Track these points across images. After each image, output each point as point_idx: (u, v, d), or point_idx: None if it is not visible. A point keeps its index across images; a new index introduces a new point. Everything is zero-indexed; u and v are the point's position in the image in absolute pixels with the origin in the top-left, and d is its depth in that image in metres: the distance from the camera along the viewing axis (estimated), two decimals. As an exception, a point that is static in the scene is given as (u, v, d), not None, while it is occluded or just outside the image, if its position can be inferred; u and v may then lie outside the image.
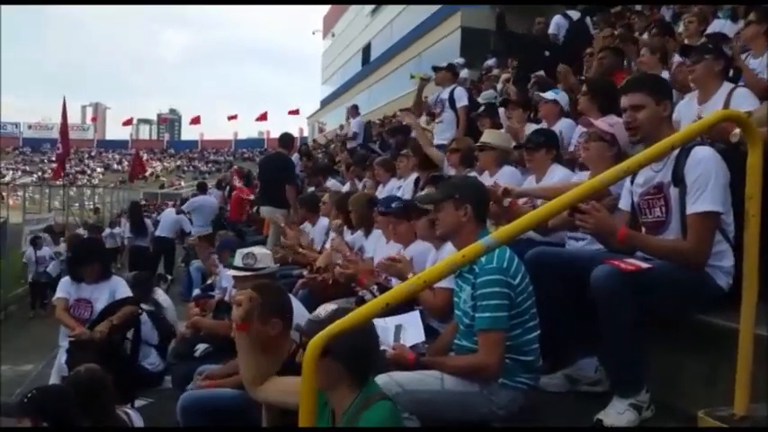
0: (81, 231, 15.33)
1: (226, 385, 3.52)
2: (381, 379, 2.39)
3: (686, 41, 5.45)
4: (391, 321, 3.07)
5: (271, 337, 2.71)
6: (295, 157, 13.02)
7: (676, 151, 2.57)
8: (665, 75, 4.89)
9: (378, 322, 3.04)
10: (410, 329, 3.11)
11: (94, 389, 3.27)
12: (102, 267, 5.15)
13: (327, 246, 5.72)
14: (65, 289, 5.05)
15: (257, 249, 4.09)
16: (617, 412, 2.46)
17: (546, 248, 3.06)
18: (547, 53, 8.25)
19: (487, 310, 2.47)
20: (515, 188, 3.58)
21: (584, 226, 2.48)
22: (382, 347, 2.70)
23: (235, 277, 4.02)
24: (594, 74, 5.75)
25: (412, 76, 9.55)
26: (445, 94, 7.48)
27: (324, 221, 6.50)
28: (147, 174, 35.43)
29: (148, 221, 13.69)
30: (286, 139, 8.91)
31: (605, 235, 2.57)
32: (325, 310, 2.34)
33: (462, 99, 7.35)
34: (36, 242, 13.07)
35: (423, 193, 2.93)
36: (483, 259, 2.48)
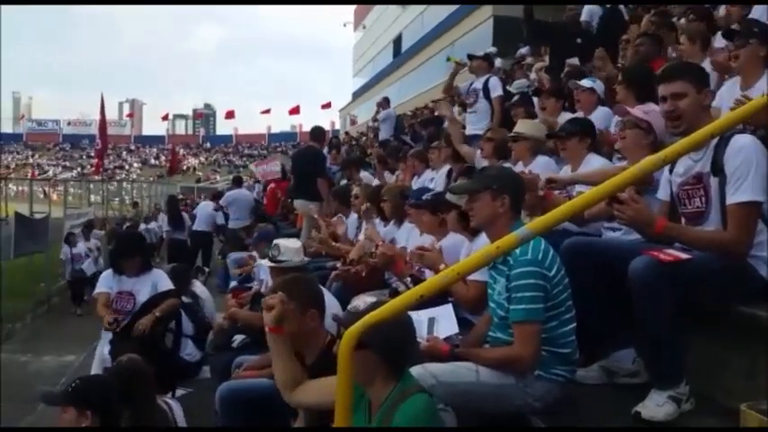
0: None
1: (263, 376, 3.58)
2: (416, 371, 2.40)
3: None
4: (424, 314, 3.07)
5: (311, 328, 2.73)
6: (325, 150, 13.12)
7: (716, 140, 2.51)
8: (706, 63, 4.77)
9: (410, 315, 3.11)
10: (443, 322, 3.11)
11: (136, 379, 3.36)
12: (143, 260, 5.27)
13: (360, 238, 5.75)
14: (106, 283, 5.18)
15: (283, 241, 4.19)
16: (656, 404, 2.42)
17: (581, 238, 3.02)
18: (579, 40, 8.10)
19: (523, 302, 2.46)
20: (560, 177, 3.54)
21: (622, 216, 2.44)
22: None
23: (270, 268, 4.18)
24: (631, 61, 5.63)
25: (448, 59, 9.52)
26: (479, 84, 7.42)
27: (355, 215, 6.52)
28: (184, 168, 36.26)
29: (185, 215, 13.95)
30: (317, 132, 9.00)
31: (643, 226, 2.52)
32: (363, 302, 2.33)
33: (497, 89, 7.29)
34: (70, 239, 13.15)
35: (456, 183, 2.90)
36: (518, 251, 2.45)
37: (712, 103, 3.18)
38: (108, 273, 5.29)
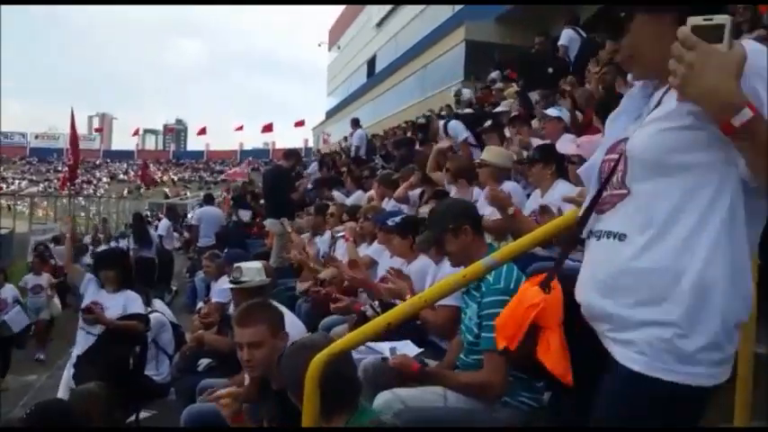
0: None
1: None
2: (384, 396, 2.40)
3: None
4: (385, 345, 2.96)
5: (281, 349, 2.71)
6: (313, 166, 13.17)
7: None
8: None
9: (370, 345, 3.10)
10: (404, 350, 3.10)
11: (94, 407, 3.30)
12: (121, 276, 5.17)
13: (337, 255, 5.75)
14: (91, 292, 5.11)
15: (245, 264, 4.24)
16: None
17: (546, 264, 3.07)
18: (550, 70, 8.31)
19: (493, 330, 2.48)
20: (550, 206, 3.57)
21: None
22: (383, 356, 2.71)
23: (231, 290, 4.23)
24: (594, 89, 5.79)
25: None
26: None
27: (329, 234, 6.53)
28: (157, 182, 35.88)
29: (153, 232, 13.77)
30: (289, 152, 9.13)
31: None
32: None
33: (460, 133, 7.41)
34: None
35: (420, 237, 2.98)
36: (490, 278, 2.50)
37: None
38: (95, 281, 5.19)
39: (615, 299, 1.37)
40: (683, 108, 1.29)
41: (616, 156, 1.44)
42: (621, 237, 1.37)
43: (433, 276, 3.61)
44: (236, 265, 4.19)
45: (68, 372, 4.94)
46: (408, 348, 3.06)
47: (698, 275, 1.29)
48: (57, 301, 11.75)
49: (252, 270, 4.13)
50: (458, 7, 26.78)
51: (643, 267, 1.33)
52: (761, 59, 1.24)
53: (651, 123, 1.37)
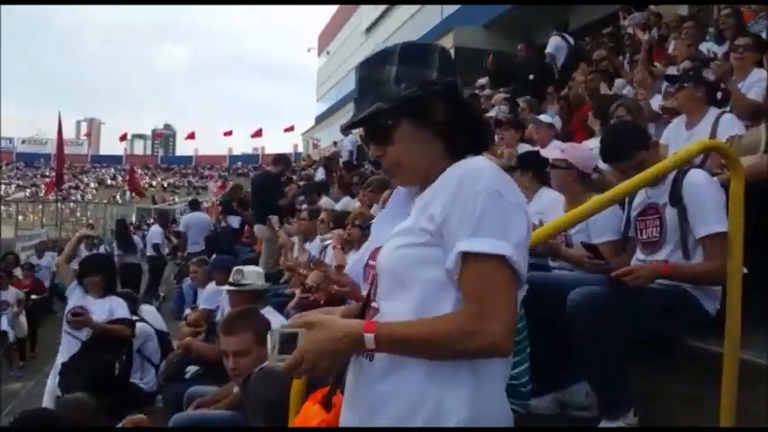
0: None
1: (219, 408, 3.52)
2: None
3: (675, 67, 5.55)
4: None
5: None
6: (320, 171, 13.10)
7: (672, 174, 2.64)
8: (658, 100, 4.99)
9: None
10: None
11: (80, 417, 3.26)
12: (106, 282, 5.15)
13: (327, 261, 5.73)
14: (76, 298, 5.09)
15: (247, 267, 4.33)
16: (605, 435, 2.47)
17: (534, 274, 3.07)
18: (531, 77, 8.39)
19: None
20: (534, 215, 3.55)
21: (638, 284, 2.53)
22: None
23: (228, 292, 4.25)
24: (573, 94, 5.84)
25: None
26: None
27: (319, 240, 6.51)
28: (144, 193, 35.65)
29: (137, 238, 13.68)
30: (278, 157, 9.10)
31: (654, 278, 2.61)
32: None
33: None
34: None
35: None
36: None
37: (660, 140, 3.32)
38: (80, 287, 5.16)
39: (360, 413, 1.36)
40: (417, 224, 1.32)
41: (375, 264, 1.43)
42: (371, 356, 1.33)
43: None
44: (237, 267, 4.20)
45: (53, 379, 4.89)
46: None
47: (435, 403, 1.27)
48: (23, 319, 10.62)
49: (253, 273, 4.20)
50: (447, 13, 26.90)
51: (384, 389, 1.31)
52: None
53: (394, 237, 1.37)
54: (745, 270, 2.35)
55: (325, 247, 6.04)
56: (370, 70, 1.43)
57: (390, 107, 1.35)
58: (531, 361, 2.61)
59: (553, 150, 3.42)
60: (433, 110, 1.37)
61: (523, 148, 5.24)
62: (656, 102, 5.12)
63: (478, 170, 1.30)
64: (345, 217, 5.70)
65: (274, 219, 7.89)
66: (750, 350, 2.48)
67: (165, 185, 61.20)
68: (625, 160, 2.80)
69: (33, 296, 11.53)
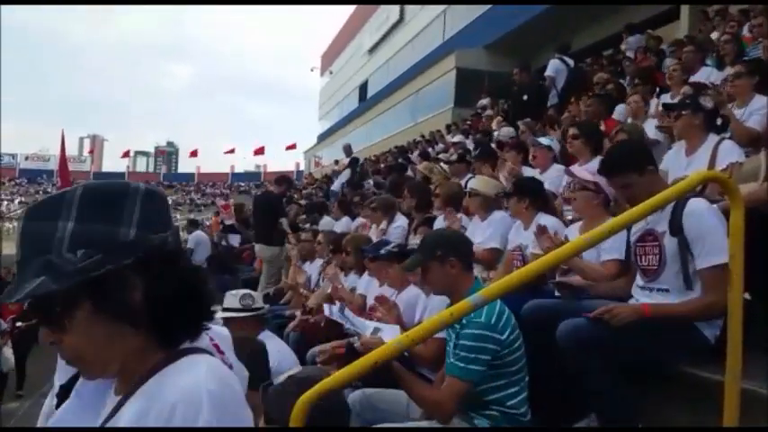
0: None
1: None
2: (356, 395, 2.45)
3: (668, 94, 5.61)
4: (371, 324, 3.39)
5: None
6: (338, 184, 13.07)
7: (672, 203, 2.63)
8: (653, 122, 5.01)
9: (359, 319, 3.62)
10: (387, 333, 3.25)
11: None
12: None
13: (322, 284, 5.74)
14: None
15: (252, 292, 4.25)
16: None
17: (541, 302, 3.03)
18: (525, 97, 8.45)
19: (463, 360, 2.48)
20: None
21: (616, 323, 2.52)
22: (353, 339, 2.91)
23: (232, 319, 3.79)
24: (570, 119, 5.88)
25: None
26: None
27: (320, 261, 6.52)
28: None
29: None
30: (280, 178, 9.13)
31: (634, 317, 2.57)
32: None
33: None
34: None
35: (407, 261, 2.97)
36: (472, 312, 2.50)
37: (660, 167, 3.33)
38: None
39: None
40: None
41: None
42: None
43: (423, 307, 3.61)
44: (245, 292, 4.11)
45: (51, 400, 4.86)
46: (394, 331, 3.14)
47: None
48: (9, 352, 9.79)
49: (259, 296, 4.22)
50: (448, 35, 27.17)
51: None
52: None
53: None
54: (746, 296, 2.33)
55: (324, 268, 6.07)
56: (38, 225, 1.01)
57: (60, 287, 0.96)
58: (531, 389, 2.62)
59: (586, 173, 3.43)
60: (122, 289, 0.99)
61: (529, 172, 5.25)
62: (651, 126, 5.13)
63: (198, 400, 0.94)
64: (342, 240, 5.72)
65: (284, 222, 8.07)
66: (748, 379, 2.47)
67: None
68: (612, 177, 2.82)
69: (20, 323, 10.30)
